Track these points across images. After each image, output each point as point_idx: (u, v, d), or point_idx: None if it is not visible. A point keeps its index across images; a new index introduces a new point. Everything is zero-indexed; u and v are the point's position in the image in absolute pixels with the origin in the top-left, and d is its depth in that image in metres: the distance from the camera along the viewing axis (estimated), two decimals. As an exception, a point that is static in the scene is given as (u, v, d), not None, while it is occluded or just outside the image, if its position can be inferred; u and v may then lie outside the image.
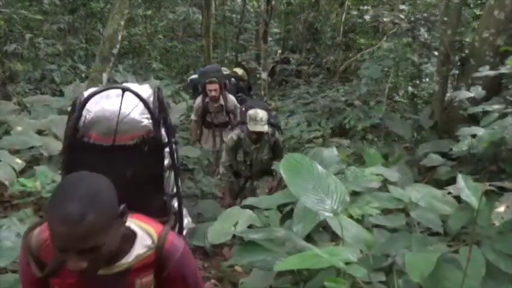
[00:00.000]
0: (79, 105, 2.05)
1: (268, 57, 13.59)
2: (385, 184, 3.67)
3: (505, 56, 4.66)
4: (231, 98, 6.68)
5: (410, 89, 8.81)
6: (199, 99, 6.67)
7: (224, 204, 5.80)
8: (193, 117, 6.89)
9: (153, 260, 1.71)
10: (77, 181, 1.48)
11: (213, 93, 6.35)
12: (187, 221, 2.42)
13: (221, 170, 5.70)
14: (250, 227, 3.32)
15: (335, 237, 3.16)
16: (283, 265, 2.25)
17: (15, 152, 5.58)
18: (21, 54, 9.98)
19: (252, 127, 5.06)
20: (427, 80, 9.46)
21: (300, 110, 8.98)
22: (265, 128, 5.09)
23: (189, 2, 16.25)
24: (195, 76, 7.48)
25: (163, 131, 2.16)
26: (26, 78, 9.35)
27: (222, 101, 6.55)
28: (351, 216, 2.86)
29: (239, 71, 8.42)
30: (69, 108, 2.27)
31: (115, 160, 1.99)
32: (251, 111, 5.13)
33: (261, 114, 5.04)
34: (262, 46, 12.61)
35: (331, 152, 4.22)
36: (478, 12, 7.83)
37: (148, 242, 1.71)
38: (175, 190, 2.27)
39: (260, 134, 5.20)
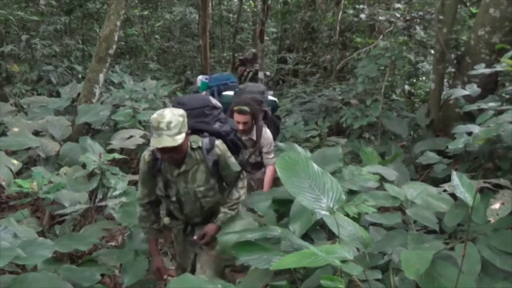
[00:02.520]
0: None
1: (265, 56, 13.58)
2: (381, 182, 3.68)
3: (501, 53, 4.66)
4: (267, 134, 4.96)
5: (406, 87, 8.83)
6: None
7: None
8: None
9: None
10: None
11: (241, 126, 4.67)
12: None
13: (138, 211, 3.54)
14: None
15: (331, 236, 3.18)
16: (280, 264, 2.26)
17: (12, 153, 5.58)
18: (17, 55, 9.97)
19: (154, 141, 3.04)
20: (424, 78, 9.49)
21: (297, 109, 8.96)
22: (177, 140, 2.99)
23: (185, 2, 16.22)
24: (228, 93, 5.78)
25: None
26: (22, 79, 9.33)
27: (253, 135, 4.90)
28: (347, 215, 2.87)
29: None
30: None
31: None
32: (154, 115, 3.11)
33: (169, 116, 3.01)
34: (259, 45, 12.59)
35: (335, 151, 4.27)
36: (473, 10, 7.84)
37: None
38: None
39: (174, 151, 3.12)
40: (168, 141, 2.97)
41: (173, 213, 3.59)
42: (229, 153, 3.41)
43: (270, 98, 5.45)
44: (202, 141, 3.32)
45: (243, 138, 4.70)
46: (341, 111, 7.63)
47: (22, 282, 2.97)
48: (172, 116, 3.02)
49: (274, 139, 5.21)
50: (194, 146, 3.29)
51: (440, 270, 2.45)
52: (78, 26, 12.74)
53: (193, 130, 3.29)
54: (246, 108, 4.67)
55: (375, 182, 3.65)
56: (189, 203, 3.42)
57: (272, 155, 4.93)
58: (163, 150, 3.06)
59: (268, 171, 4.93)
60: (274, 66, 14.48)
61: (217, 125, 3.46)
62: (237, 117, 4.68)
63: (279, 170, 2.64)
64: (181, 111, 3.11)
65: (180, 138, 2.99)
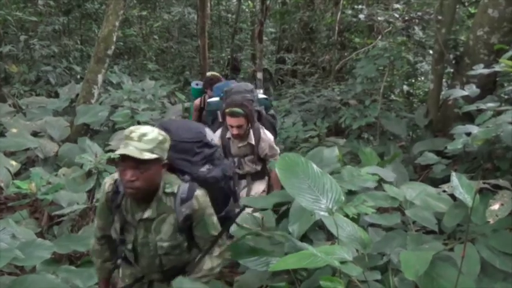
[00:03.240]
0: None
1: (264, 57, 13.58)
2: (380, 183, 3.68)
3: (499, 54, 4.67)
4: (267, 135, 4.52)
5: (405, 87, 8.83)
6: (218, 134, 4.47)
7: None
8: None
9: None
10: None
11: (235, 131, 4.27)
12: None
13: (91, 242, 2.89)
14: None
15: (331, 237, 3.17)
16: (278, 265, 2.26)
17: (10, 154, 5.58)
18: (16, 55, 9.97)
19: (121, 148, 2.36)
20: (422, 78, 9.49)
21: (296, 110, 8.97)
22: (144, 155, 2.32)
23: (184, 2, 16.23)
24: (214, 99, 5.24)
25: None
26: (21, 79, 9.33)
27: (251, 139, 4.44)
28: (346, 215, 2.86)
29: (217, 75, 7.11)
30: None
31: None
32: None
33: (147, 130, 2.41)
34: (257, 46, 12.60)
35: (331, 152, 4.25)
36: (472, 11, 7.85)
37: None
38: None
39: (137, 173, 2.36)
40: (132, 151, 2.30)
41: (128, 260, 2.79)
42: (210, 210, 2.63)
43: (261, 96, 5.04)
44: (179, 187, 2.56)
45: (239, 145, 4.44)
46: (340, 112, 7.63)
47: (21, 284, 2.96)
48: (152, 131, 2.41)
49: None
50: (168, 190, 2.54)
51: (440, 271, 2.44)
52: (77, 26, 12.74)
53: (172, 167, 2.60)
54: (238, 109, 4.14)
55: (373, 182, 3.64)
56: (147, 257, 2.66)
57: (276, 155, 4.48)
58: (125, 168, 2.36)
59: (274, 175, 4.37)
60: (273, 67, 14.49)
61: (204, 169, 2.67)
62: (230, 120, 4.21)
63: (279, 171, 2.64)
64: (167, 136, 2.50)
65: (147, 155, 2.31)
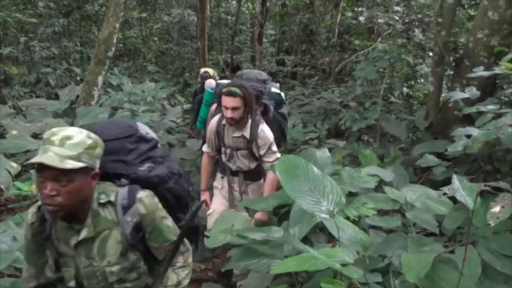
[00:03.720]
0: None
1: (263, 59, 13.61)
2: (380, 185, 3.68)
3: (499, 56, 4.68)
4: (266, 133, 3.95)
5: (405, 89, 8.83)
6: (215, 120, 4.12)
7: None
8: (205, 148, 4.30)
9: None
10: None
11: (229, 113, 3.79)
12: None
13: (23, 271, 2.26)
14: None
15: (331, 239, 3.17)
16: (280, 268, 2.26)
17: (10, 156, 5.57)
18: (16, 57, 9.98)
19: (38, 155, 1.82)
20: (422, 80, 9.50)
21: (296, 112, 8.97)
22: (65, 163, 1.80)
23: (184, 4, 16.24)
24: (224, 81, 4.65)
25: None
26: (21, 81, 9.34)
27: (246, 132, 3.95)
28: (347, 218, 2.87)
29: (210, 70, 7.40)
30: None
31: None
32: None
33: (73, 132, 1.90)
34: (257, 48, 12.61)
35: (323, 153, 4.24)
36: (472, 13, 7.85)
37: None
38: None
39: (57, 186, 1.83)
40: (51, 159, 1.77)
41: None
42: (161, 212, 2.13)
43: (274, 90, 4.44)
44: (117, 193, 2.04)
45: (233, 135, 3.97)
46: (340, 114, 7.64)
47: (21, 286, 2.96)
48: (79, 134, 1.89)
49: (279, 146, 4.27)
50: (103, 200, 2.02)
51: (441, 274, 2.44)
52: (77, 28, 12.75)
53: (107, 174, 2.08)
54: (236, 89, 3.73)
55: (374, 183, 3.64)
56: None
57: (273, 158, 3.95)
58: (43, 180, 1.82)
59: (268, 179, 4.04)
60: (273, 69, 14.50)
61: (145, 167, 2.19)
62: (225, 100, 3.75)
63: (279, 173, 2.63)
64: (99, 140, 1.97)
65: (70, 164, 1.79)
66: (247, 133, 3.92)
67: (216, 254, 4.85)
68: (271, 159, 3.94)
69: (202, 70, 7.60)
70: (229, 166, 4.16)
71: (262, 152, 3.95)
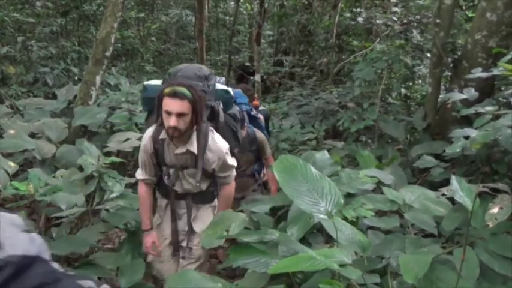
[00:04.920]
0: None
1: (261, 59, 13.61)
2: (379, 186, 3.68)
3: (498, 57, 4.68)
4: (218, 144, 3.26)
5: (403, 90, 8.83)
6: (148, 135, 3.28)
7: None
8: (139, 174, 3.43)
9: None
10: None
11: (173, 121, 2.96)
12: None
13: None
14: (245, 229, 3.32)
15: (329, 239, 3.17)
16: (277, 267, 2.25)
17: (8, 155, 5.55)
18: (13, 57, 9.95)
19: None
20: (420, 81, 9.51)
21: (294, 112, 8.98)
22: None
23: (181, 4, 16.24)
24: (154, 82, 3.70)
25: None
26: (18, 81, 9.31)
27: (192, 146, 3.18)
28: (345, 218, 2.86)
29: None
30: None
31: None
32: None
33: None
34: (255, 48, 12.60)
35: (323, 155, 4.24)
36: (470, 14, 7.87)
37: None
38: None
39: None
40: None
41: None
42: None
43: (220, 87, 3.58)
44: None
45: (176, 151, 3.18)
46: (338, 115, 7.64)
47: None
48: None
49: (233, 154, 3.54)
50: None
51: (439, 275, 2.44)
52: (74, 27, 12.73)
53: None
54: (183, 90, 2.93)
55: (372, 184, 3.64)
56: None
57: (229, 172, 3.38)
58: None
59: (222, 194, 3.47)
60: (271, 69, 14.51)
61: None
62: (169, 104, 2.93)
63: (277, 173, 2.63)
64: None
65: None
66: (193, 147, 3.13)
67: (214, 255, 4.87)
68: (227, 173, 3.36)
69: None
70: (174, 189, 3.39)
71: (215, 168, 3.27)
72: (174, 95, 2.91)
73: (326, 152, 4.34)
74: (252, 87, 5.91)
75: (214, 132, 3.26)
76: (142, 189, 3.41)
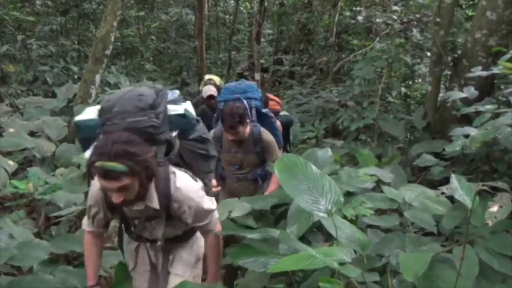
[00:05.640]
0: None
1: (261, 58, 13.60)
2: (378, 184, 3.68)
3: (498, 56, 4.68)
4: (185, 190, 2.52)
5: (403, 89, 8.84)
6: (97, 187, 2.51)
7: None
8: (86, 224, 2.79)
9: None
10: None
11: (116, 198, 2.28)
12: None
13: None
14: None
15: (329, 238, 3.17)
16: (277, 266, 2.25)
17: (7, 154, 5.55)
18: (13, 55, 9.93)
19: None
20: (420, 80, 9.52)
21: (293, 111, 8.99)
22: None
23: (181, 3, 16.23)
24: (89, 117, 2.63)
25: None
26: (18, 79, 9.30)
27: (152, 202, 2.48)
28: (345, 217, 2.87)
29: (215, 78, 6.79)
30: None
31: None
32: None
33: None
34: (255, 47, 12.60)
35: (325, 153, 4.22)
36: (470, 13, 7.86)
37: None
38: None
39: None
40: None
41: None
42: None
43: (174, 111, 2.62)
44: None
45: (135, 208, 2.50)
46: (338, 113, 7.64)
47: (19, 285, 2.96)
48: None
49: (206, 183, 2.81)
50: None
51: (439, 273, 2.44)
52: (74, 26, 12.72)
53: None
54: (117, 166, 2.14)
55: (371, 182, 3.64)
56: None
57: (206, 221, 2.66)
58: None
59: (207, 242, 2.80)
60: (271, 68, 14.50)
61: None
62: (103, 183, 2.23)
63: (278, 172, 2.63)
64: None
65: None
66: (153, 202, 2.47)
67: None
68: (204, 222, 2.66)
69: (207, 77, 7.01)
70: (141, 233, 2.81)
71: (189, 220, 2.59)
72: (105, 176, 2.17)
73: (329, 150, 4.29)
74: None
75: (178, 173, 2.52)
76: (88, 240, 2.78)
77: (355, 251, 2.68)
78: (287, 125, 5.69)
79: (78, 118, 2.62)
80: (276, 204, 3.64)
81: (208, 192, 2.75)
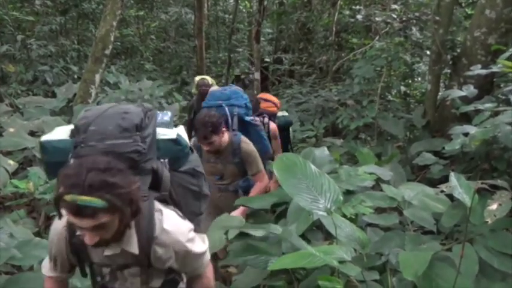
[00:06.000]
0: None
1: (260, 57, 13.59)
2: (378, 183, 3.68)
3: (497, 54, 4.68)
4: (172, 231, 1.98)
5: (402, 88, 8.83)
6: (61, 222, 1.96)
7: None
8: (47, 269, 2.20)
9: None
10: None
11: (89, 239, 1.75)
12: None
13: None
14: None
15: (329, 236, 3.17)
16: (277, 264, 2.26)
17: (7, 154, 5.56)
18: (13, 55, 9.95)
19: None
20: (420, 79, 9.52)
21: (293, 110, 8.98)
22: None
23: (181, 3, 16.23)
24: (58, 137, 2.11)
25: None
26: (18, 79, 9.31)
27: (130, 245, 1.94)
28: (344, 215, 2.87)
29: (208, 78, 6.53)
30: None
31: None
32: None
33: None
34: (254, 46, 12.61)
35: (322, 152, 4.22)
36: (469, 12, 7.87)
37: None
38: None
39: None
40: None
41: None
42: None
43: (164, 135, 2.20)
44: None
45: (107, 253, 1.97)
46: (337, 112, 7.65)
47: (15, 283, 2.96)
48: None
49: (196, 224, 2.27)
50: None
51: (438, 271, 2.45)
52: (74, 26, 12.74)
53: None
54: (92, 201, 1.64)
55: (371, 181, 3.65)
56: None
57: (197, 265, 2.17)
58: None
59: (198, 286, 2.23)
60: (270, 67, 14.50)
61: None
62: (73, 220, 1.71)
63: (277, 171, 2.64)
64: None
65: None
66: (132, 246, 1.96)
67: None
68: (195, 266, 2.16)
69: (198, 78, 6.63)
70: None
71: (176, 266, 2.09)
72: (78, 213, 1.67)
73: (325, 149, 4.28)
74: (254, 97, 5.02)
75: (165, 211, 2.04)
76: (48, 286, 2.25)
77: (355, 250, 2.69)
78: (285, 126, 5.51)
79: (44, 138, 2.10)
80: (276, 203, 3.64)
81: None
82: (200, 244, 2.15)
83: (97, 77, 7.28)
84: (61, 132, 2.12)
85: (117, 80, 9.24)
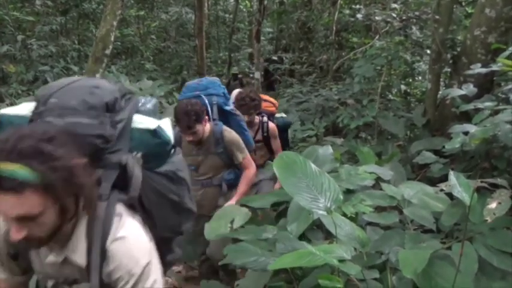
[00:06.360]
0: None
1: (261, 56, 13.60)
2: (378, 182, 3.68)
3: (497, 53, 4.67)
4: (131, 249, 1.52)
5: (403, 87, 8.84)
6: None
7: None
8: None
9: None
10: None
11: (14, 235, 1.37)
12: None
13: None
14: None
15: (329, 236, 3.17)
16: (277, 264, 2.26)
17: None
18: (13, 55, 9.96)
19: None
20: (420, 78, 9.51)
21: (293, 109, 8.99)
22: None
23: (181, 2, 16.24)
24: (16, 111, 1.67)
25: None
26: (18, 79, 9.32)
27: (75, 252, 1.54)
28: (344, 214, 2.87)
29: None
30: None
31: None
32: None
33: None
34: (255, 46, 12.61)
35: (326, 150, 4.21)
36: (469, 10, 7.87)
37: None
38: None
39: None
40: None
41: None
42: None
43: (141, 123, 1.71)
44: None
45: (47, 260, 1.61)
46: (337, 111, 7.65)
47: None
48: None
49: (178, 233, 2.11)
50: None
51: (438, 270, 2.45)
52: (74, 26, 12.75)
53: None
54: (19, 169, 1.26)
55: (371, 180, 3.64)
56: None
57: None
58: None
59: None
60: (271, 67, 14.52)
61: None
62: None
63: (277, 170, 2.64)
64: None
65: None
66: (78, 255, 1.55)
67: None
68: None
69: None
70: None
71: (131, 284, 1.55)
72: None
73: (329, 147, 4.23)
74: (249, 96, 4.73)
75: (125, 217, 1.59)
76: None
77: (355, 249, 2.69)
78: (284, 127, 5.44)
79: (2, 111, 1.67)
80: (276, 202, 3.64)
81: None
82: (159, 279, 1.60)
83: (97, 77, 7.28)
84: (24, 107, 1.65)
85: (117, 80, 9.24)
